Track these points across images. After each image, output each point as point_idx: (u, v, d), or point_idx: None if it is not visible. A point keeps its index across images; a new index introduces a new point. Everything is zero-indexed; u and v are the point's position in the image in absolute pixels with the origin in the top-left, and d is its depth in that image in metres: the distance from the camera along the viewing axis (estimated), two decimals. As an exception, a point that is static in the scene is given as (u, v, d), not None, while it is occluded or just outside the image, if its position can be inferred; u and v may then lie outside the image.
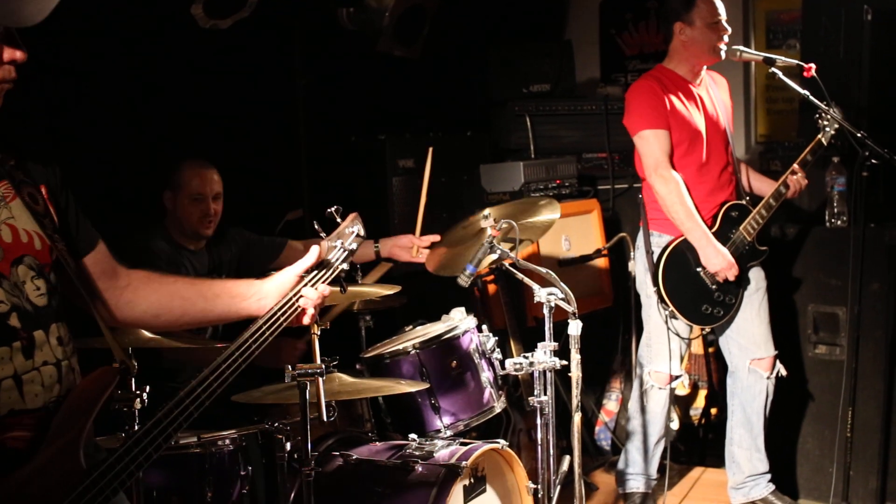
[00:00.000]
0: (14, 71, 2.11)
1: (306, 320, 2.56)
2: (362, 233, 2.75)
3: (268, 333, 2.44)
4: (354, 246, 2.72)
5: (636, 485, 4.87)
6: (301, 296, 2.52)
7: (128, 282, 2.47)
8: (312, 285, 2.56)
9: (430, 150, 4.51)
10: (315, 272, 2.60)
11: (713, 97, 4.72)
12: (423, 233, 4.45)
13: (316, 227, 2.80)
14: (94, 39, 4.07)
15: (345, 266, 2.69)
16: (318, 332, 3.33)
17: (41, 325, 2.18)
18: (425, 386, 3.96)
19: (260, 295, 2.51)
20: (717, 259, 4.49)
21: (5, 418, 2.08)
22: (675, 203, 4.50)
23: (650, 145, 4.55)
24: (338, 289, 2.66)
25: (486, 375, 4.16)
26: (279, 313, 2.48)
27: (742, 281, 4.65)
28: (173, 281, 2.54)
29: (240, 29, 4.53)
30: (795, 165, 4.62)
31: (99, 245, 2.41)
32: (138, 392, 2.98)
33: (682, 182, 4.53)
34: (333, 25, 5.15)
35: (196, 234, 4.24)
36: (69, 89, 4.09)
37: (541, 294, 3.78)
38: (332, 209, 2.79)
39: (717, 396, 5.59)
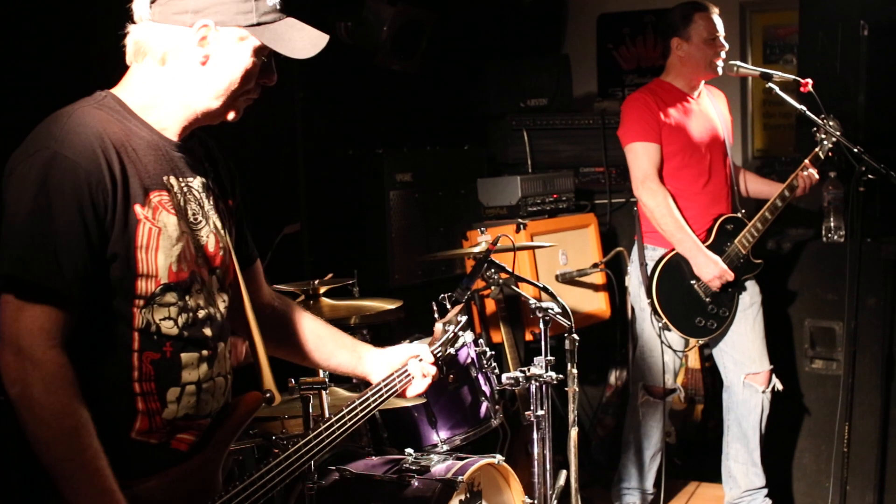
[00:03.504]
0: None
1: (410, 392, 2.80)
2: (465, 323, 3.07)
3: (385, 395, 2.69)
4: (462, 333, 3.04)
5: (632, 499, 4.87)
6: (408, 372, 2.76)
7: (272, 301, 2.63)
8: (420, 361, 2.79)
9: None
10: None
11: (712, 110, 4.73)
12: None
13: (434, 306, 3.42)
14: (92, 52, 4.07)
15: (451, 350, 2.99)
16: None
17: (223, 337, 2.30)
18: (422, 400, 3.95)
19: (376, 361, 2.75)
20: (708, 267, 4.49)
21: (179, 420, 2.18)
22: (664, 215, 4.51)
23: (639, 158, 4.56)
24: (438, 370, 2.88)
25: (482, 390, 4.16)
26: (395, 381, 2.73)
27: (736, 294, 4.65)
28: (313, 317, 2.71)
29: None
30: (807, 161, 4.58)
31: (257, 262, 2.58)
32: None
33: (671, 195, 4.54)
34: (331, 40, 5.14)
35: None
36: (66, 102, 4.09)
37: (537, 308, 3.78)
38: (446, 295, 3.42)
39: (714, 411, 5.59)
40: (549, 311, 3.77)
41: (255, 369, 2.37)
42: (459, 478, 3.52)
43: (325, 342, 2.68)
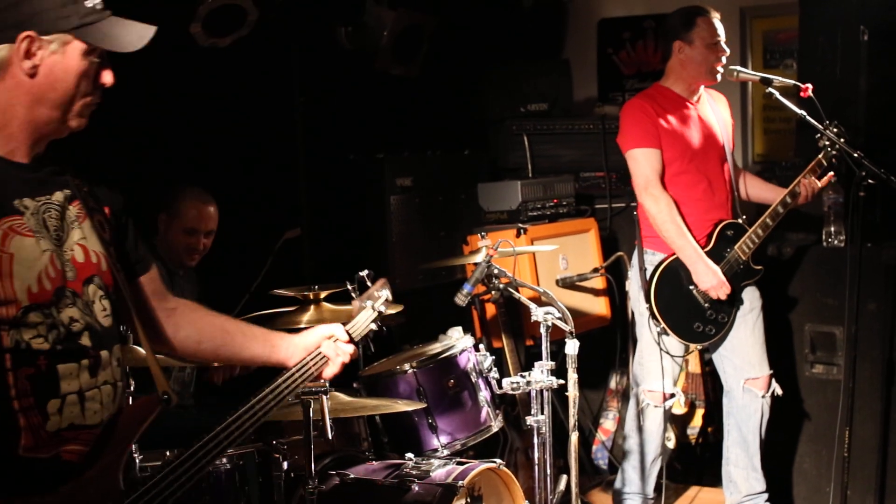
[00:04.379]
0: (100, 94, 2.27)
1: (327, 373, 2.75)
2: (390, 297, 3.00)
3: (299, 380, 2.66)
4: (383, 308, 2.97)
5: (633, 504, 4.87)
6: (323, 354, 2.73)
7: (175, 305, 2.61)
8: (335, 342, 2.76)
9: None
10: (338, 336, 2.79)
11: (711, 115, 4.73)
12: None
13: (349, 287, 3.16)
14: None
15: (373, 326, 2.94)
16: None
17: (106, 345, 2.28)
18: (422, 405, 3.96)
19: (291, 346, 2.71)
20: (707, 277, 4.49)
21: (65, 431, 2.17)
22: (666, 221, 4.50)
23: (640, 164, 4.56)
24: (355, 349, 2.84)
25: (483, 394, 4.16)
26: (309, 364, 2.70)
27: (735, 299, 4.65)
28: (217, 315, 2.69)
29: (239, 47, 4.54)
30: (810, 168, 4.58)
31: (152, 268, 2.56)
32: None
33: (673, 201, 4.54)
34: (332, 44, 5.17)
35: (178, 263, 4.26)
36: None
37: (538, 313, 3.79)
38: (364, 273, 3.20)
39: (715, 415, 5.59)
40: (550, 315, 3.78)
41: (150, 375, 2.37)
42: (460, 483, 3.52)
43: (233, 337, 2.66)
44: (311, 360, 2.70)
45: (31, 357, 2.12)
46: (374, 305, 2.95)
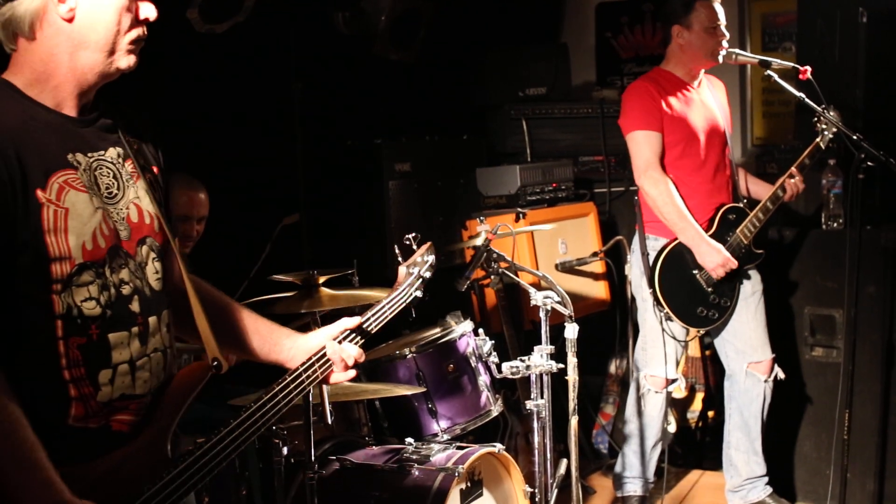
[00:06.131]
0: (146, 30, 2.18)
1: (333, 379, 2.56)
2: (434, 263, 2.89)
3: (307, 381, 2.46)
4: (428, 274, 2.86)
5: (633, 488, 4.87)
6: (327, 358, 2.53)
7: (179, 280, 2.46)
8: (340, 342, 2.56)
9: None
10: (350, 333, 2.61)
11: (711, 99, 4.72)
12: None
13: (396, 251, 2.97)
14: None
15: (418, 294, 2.83)
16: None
17: (155, 310, 2.23)
18: (422, 390, 3.96)
19: (293, 347, 2.54)
20: (711, 256, 4.49)
21: (116, 401, 2.13)
22: (666, 204, 4.50)
23: (641, 147, 4.55)
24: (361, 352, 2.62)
25: (482, 379, 4.16)
26: (315, 365, 2.50)
27: (737, 284, 4.65)
28: (229, 301, 2.55)
29: (236, 33, 4.52)
30: (793, 169, 4.62)
31: (176, 238, 2.42)
32: None
33: (673, 184, 4.53)
34: (329, 29, 5.15)
35: None
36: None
37: (537, 297, 3.79)
38: (410, 236, 3.03)
39: (715, 399, 5.59)
40: (549, 300, 3.78)
41: (199, 339, 2.28)
42: (460, 467, 3.53)
43: (235, 324, 2.51)
44: (318, 362, 2.51)
45: (84, 325, 2.07)
46: (420, 272, 2.85)
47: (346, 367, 2.55)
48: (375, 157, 5.25)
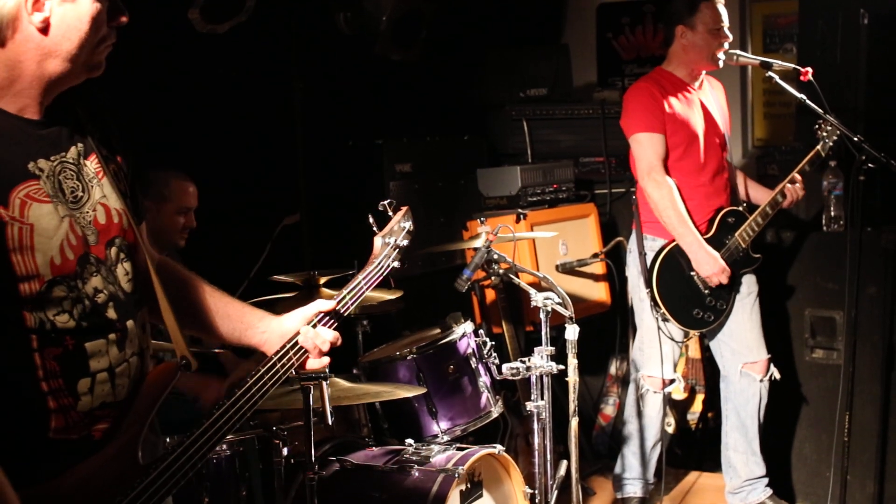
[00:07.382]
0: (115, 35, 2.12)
1: (308, 366, 2.49)
2: (412, 228, 2.76)
3: (282, 370, 2.39)
4: (405, 242, 2.73)
5: (633, 489, 4.87)
6: (300, 345, 2.45)
7: (159, 260, 2.42)
8: (315, 326, 2.48)
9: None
10: (325, 317, 2.52)
11: (712, 101, 4.72)
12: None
13: (370, 220, 2.82)
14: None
15: (395, 264, 2.70)
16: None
17: (131, 313, 2.17)
18: (422, 391, 3.95)
19: (266, 330, 2.46)
20: (708, 264, 4.49)
21: (96, 410, 2.08)
22: (668, 208, 4.50)
23: (644, 149, 4.55)
24: (337, 336, 2.55)
25: (483, 380, 4.16)
26: (290, 353, 2.43)
27: (734, 287, 4.65)
28: (200, 283, 2.47)
29: (237, 33, 4.53)
30: (795, 174, 4.61)
31: (142, 224, 2.35)
32: None
33: (676, 187, 4.53)
34: (331, 30, 5.15)
35: (172, 245, 4.27)
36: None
37: (538, 298, 3.79)
38: (386, 202, 2.84)
39: (714, 401, 5.59)
40: (550, 301, 3.78)
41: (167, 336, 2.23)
42: (460, 468, 3.52)
43: (207, 309, 2.43)
44: (292, 350, 2.43)
45: (58, 337, 2.01)
46: (396, 241, 2.72)
47: (321, 354, 2.47)
48: (376, 157, 5.26)
